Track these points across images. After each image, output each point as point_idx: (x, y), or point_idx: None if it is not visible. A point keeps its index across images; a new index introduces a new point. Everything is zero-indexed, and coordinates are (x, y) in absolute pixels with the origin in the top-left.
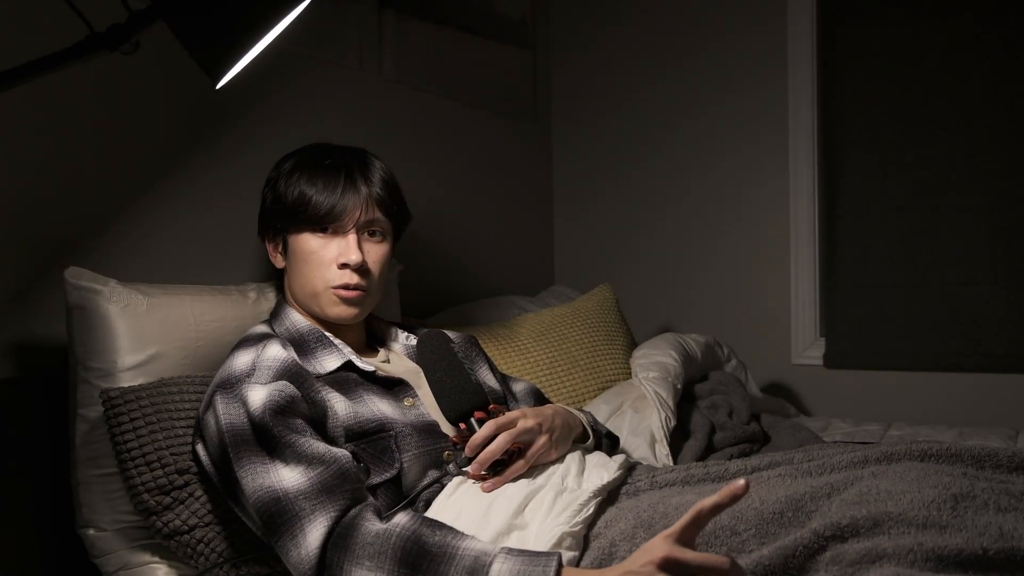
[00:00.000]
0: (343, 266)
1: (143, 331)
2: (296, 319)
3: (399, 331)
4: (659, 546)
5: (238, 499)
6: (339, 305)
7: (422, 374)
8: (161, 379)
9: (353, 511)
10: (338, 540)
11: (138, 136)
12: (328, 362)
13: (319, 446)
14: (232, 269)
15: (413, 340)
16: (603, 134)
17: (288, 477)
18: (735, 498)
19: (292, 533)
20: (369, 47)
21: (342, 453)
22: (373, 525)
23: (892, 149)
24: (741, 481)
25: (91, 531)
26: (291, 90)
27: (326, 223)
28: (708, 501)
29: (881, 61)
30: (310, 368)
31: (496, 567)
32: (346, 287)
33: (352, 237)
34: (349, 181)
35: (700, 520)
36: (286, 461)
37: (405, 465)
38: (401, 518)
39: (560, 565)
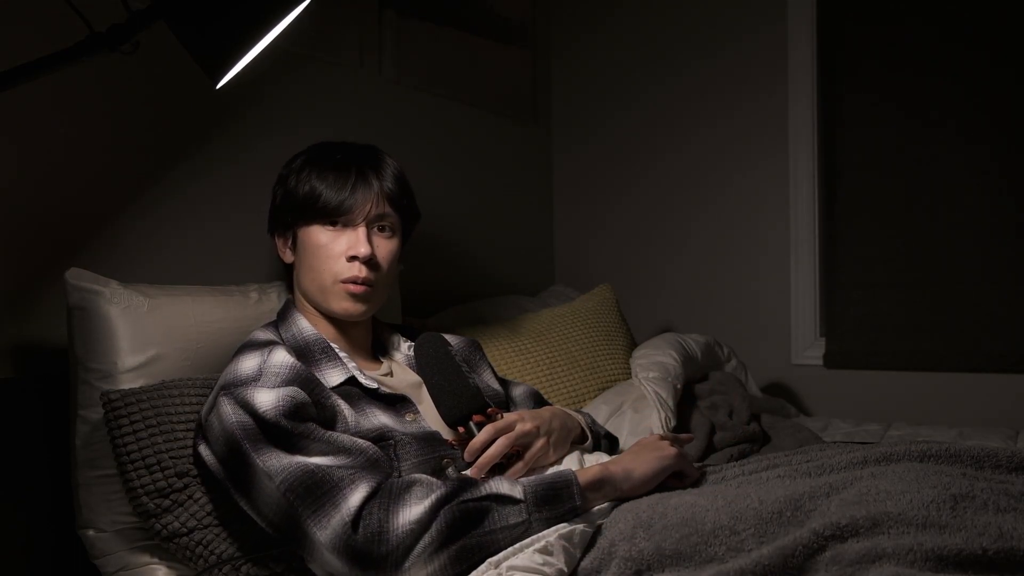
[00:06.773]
0: (352, 259)
1: (144, 332)
2: (303, 326)
3: (400, 339)
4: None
5: (248, 491)
6: (346, 300)
7: (423, 387)
8: (162, 382)
9: (393, 478)
10: (382, 493)
11: (138, 136)
12: (332, 377)
13: (343, 438)
14: (233, 269)
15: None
16: (603, 134)
17: (318, 459)
18: None
19: (334, 500)
20: (369, 47)
21: (367, 444)
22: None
23: (892, 149)
24: None
25: (91, 532)
26: (291, 90)
27: (336, 216)
28: None
29: (880, 64)
30: None
31: (525, 482)
32: (354, 281)
33: (362, 230)
34: (360, 175)
35: None
36: (310, 454)
37: (404, 473)
38: None
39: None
